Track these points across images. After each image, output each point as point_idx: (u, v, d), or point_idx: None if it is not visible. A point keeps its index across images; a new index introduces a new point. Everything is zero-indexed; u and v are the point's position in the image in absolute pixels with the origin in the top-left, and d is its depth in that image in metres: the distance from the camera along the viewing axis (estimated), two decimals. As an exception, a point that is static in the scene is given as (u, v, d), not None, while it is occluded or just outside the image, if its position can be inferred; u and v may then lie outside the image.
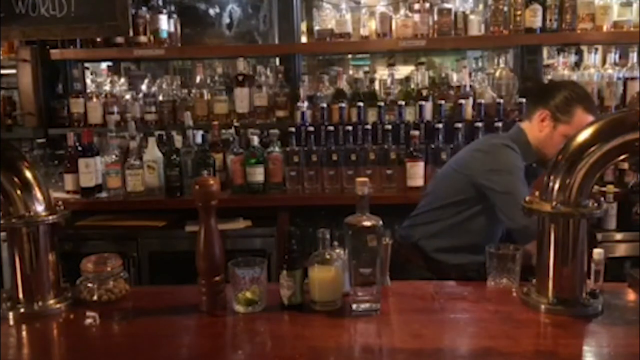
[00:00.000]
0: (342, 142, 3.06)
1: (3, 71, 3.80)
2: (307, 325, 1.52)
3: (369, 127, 3.08)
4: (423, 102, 3.16)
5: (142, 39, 3.35)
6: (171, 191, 3.06)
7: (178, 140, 3.24)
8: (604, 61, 3.33)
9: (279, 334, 1.50)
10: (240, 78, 3.30)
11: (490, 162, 2.18)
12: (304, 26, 3.75)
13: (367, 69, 3.59)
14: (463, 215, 2.23)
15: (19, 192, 1.60)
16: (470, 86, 3.29)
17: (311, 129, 3.12)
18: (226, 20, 3.90)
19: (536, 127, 2.24)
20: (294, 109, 3.27)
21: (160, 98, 3.41)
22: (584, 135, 1.54)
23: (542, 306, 1.56)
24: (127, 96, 3.51)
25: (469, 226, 2.23)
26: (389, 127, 3.03)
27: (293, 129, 3.07)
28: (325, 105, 3.21)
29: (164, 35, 3.40)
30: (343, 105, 3.19)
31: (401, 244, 2.28)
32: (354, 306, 1.57)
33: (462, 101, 3.14)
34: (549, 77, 3.18)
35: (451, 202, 2.25)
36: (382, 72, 3.77)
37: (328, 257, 1.61)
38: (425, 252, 2.30)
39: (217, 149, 3.13)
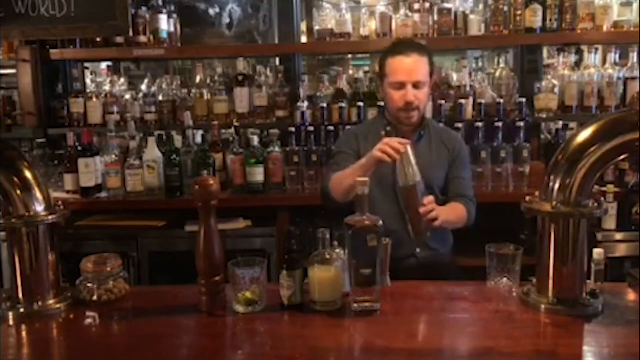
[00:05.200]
0: (342, 142, 3.06)
1: (3, 71, 3.79)
2: (307, 325, 1.52)
3: (369, 127, 3.07)
4: (423, 102, 3.16)
5: (142, 39, 3.34)
6: (171, 191, 3.06)
7: (178, 140, 3.23)
8: (604, 61, 3.32)
9: (279, 334, 1.50)
10: (240, 78, 3.29)
11: None
12: (304, 26, 3.75)
13: (367, 69, 3.58)
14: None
15: (19, 192, 1.60)
16: (471, 86, 3.28)
17: (311, 129, 3.12)
18: (226, 20, 3.90)
19: None
20: (294, 109, 3.26)
21: (160, 98, 3.40)
22: (584, 135, 1.54)
23: (542, 306, 1.56)
24: (127, 96, 3.50)
25: (378, 209, 2.07)
26: (389, 127, 3.03)
27: (293, 129, 3.07)
28: (325, 105, 3.20)
29: (164, 35, 3.39)
30: (343, 105, 3.19)
31: None
32: (354, 306, 1.57)
33: (462, 101, 3.14)
34: (549, 77, 3.17)
35: None
36: (382, 72, 3.76)
37: (328, 257, 1.61)
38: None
39: (217, 149, 3.12)
